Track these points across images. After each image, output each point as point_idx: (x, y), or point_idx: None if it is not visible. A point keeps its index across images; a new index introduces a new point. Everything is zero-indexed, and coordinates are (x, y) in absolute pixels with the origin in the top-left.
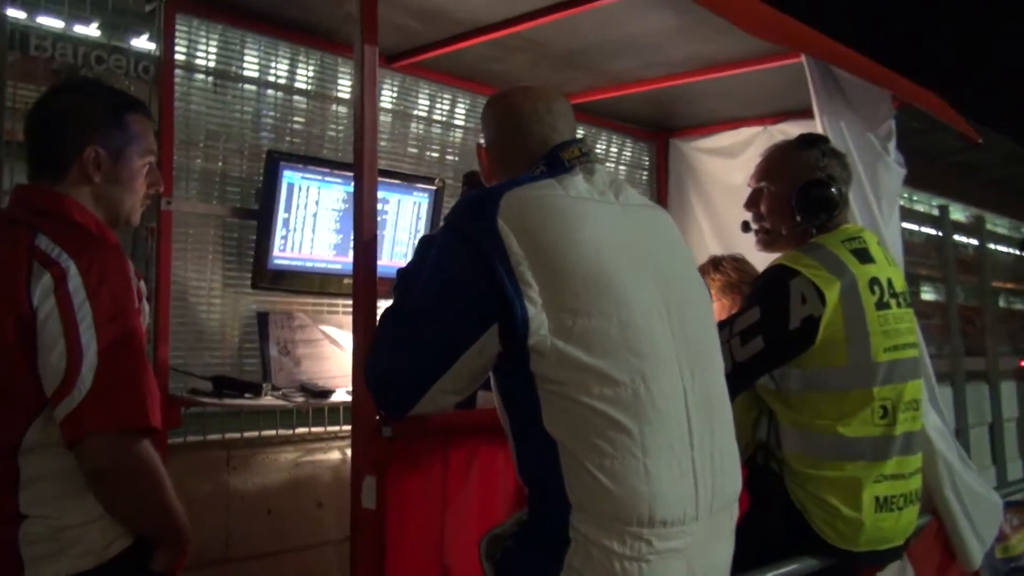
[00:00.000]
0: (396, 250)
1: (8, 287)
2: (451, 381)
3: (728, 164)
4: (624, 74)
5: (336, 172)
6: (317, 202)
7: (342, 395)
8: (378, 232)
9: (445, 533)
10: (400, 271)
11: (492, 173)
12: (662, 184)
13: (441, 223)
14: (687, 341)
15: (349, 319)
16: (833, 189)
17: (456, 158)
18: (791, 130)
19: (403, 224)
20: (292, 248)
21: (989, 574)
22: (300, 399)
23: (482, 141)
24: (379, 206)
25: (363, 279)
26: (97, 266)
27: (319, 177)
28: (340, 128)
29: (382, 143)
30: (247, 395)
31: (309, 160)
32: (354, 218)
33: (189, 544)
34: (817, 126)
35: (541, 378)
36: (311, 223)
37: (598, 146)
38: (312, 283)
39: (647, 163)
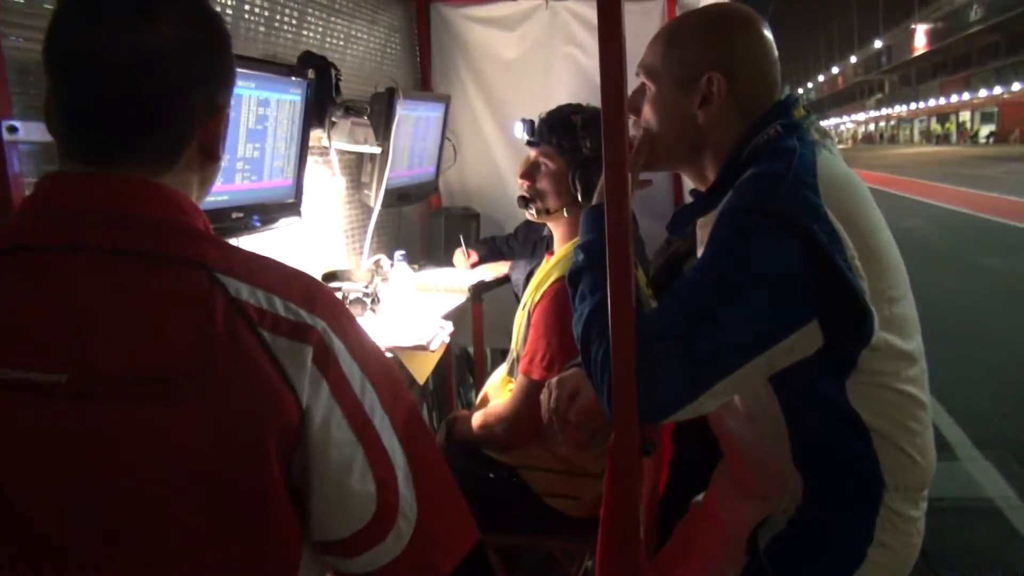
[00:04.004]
0: (275, 165)
1: (247, 381)
2: (735, 382)
3: (504, 37)
4: None
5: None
6: None
7: None
8: (260, 144)
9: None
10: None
11: (720, 109)
12: (424, 56)
13: (733, 203)
14: None
15: None
16: None
17: None
18: (576, 7)
19: (281, 132)
20: None
21: None
22: None
23: (707, 66)
24: (260, 110)
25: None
26: (342, 315)
27: None
28: None
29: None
30: None
31: None
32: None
33: None
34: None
35: (863, 371)
36: None
37: (343, 7)
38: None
39: (402, 28)
